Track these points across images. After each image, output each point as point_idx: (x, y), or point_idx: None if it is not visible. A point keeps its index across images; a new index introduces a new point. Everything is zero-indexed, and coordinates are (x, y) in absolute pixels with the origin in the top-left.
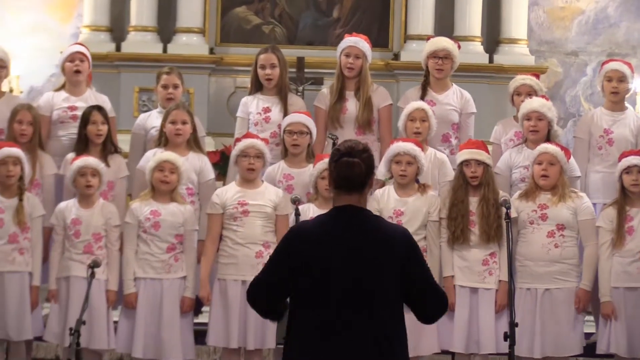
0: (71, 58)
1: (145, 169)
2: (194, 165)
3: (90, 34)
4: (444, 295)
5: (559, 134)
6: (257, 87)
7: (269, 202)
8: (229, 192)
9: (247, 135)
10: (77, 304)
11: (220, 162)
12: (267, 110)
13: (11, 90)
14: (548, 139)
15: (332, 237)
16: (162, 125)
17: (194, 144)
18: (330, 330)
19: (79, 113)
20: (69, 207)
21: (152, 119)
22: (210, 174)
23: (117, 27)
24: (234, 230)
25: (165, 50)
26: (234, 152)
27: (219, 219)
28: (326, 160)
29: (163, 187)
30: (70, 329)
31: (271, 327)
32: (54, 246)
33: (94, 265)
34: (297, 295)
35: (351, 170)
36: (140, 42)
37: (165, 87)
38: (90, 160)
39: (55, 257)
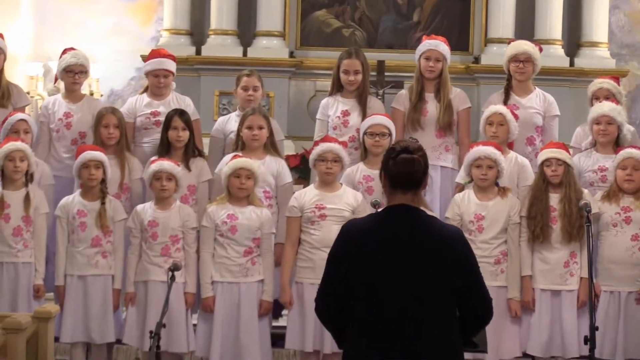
0: (156, 73)
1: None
2: (271, 168)
3: (170, 37)
4: (490, 303)
5: (628, 138)
6: (338, 88)
7: (347, 206)
8: (307, 196)
9: (325, 139)
10: (156, 307)
11: (301, 166)
12: (346, 113)
13: (91, 93)
14: (617, 143)
15: (384, 237)
16: (239, 130)
17: (272, 147)
18: (382, 333)
19: (162, 119)
20: (146, 209)
21: (231, 123)
22: (288, 177)
23: (197, 31)
24: (310, 234)
25: (245, 53)
26: (312, 156)
27: (297, 222)
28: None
29: (240, 193)
30: (150, 332)
31: None
32: (131, 249)
33: (174, 268)
34: (351, 296)
35: (411, 167)
36: (221, 46)
37: (245, 89)
38: (165, 164)
39: (133, 260)
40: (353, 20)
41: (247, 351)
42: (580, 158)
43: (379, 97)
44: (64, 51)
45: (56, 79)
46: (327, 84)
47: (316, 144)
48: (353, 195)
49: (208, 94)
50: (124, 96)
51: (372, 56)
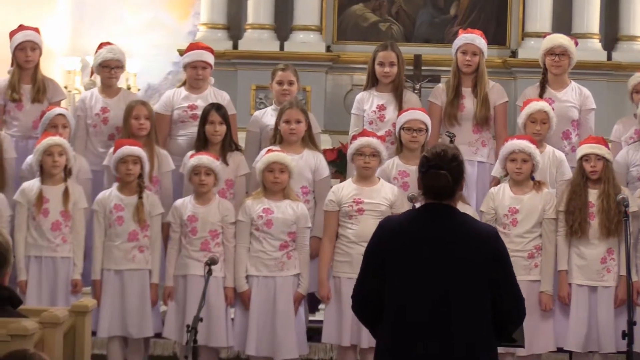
0: (194, 65)
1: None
2: (309, 162)
3: (207, 31)
4: (521, 302)
5: None
6: (373, 82)
7: (385, 201)
8: (345, 190)
9: (364, 133)
10: (195, 302)
11: (337, 160)
12: (382, 108)
13: (129, 88)
14: None
15: (420, 234)
16: (277, 124)
17: (309, 141)
18: (416, 330)
19: (199, 112)
20: (185, 204)
21: (267, 117)
22: (326, 171)
23: (234, 25)
24: (348, 228)
25: (282, 48)
26: (350, 150)
27: (335, 216)
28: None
29: (274, 187)
30: (187, 326)
31: None
32: (171, 243)
33: (211, 262)
34: (386, 290)
35: (437, 182)
36: (257, 40)
37: (280, 83)
38: (204, 159)
39: (173, 255)
40: (390, 15)
41: (283, 345)
42: (628, 151)
43: (416, 91)
44: (100, 45)
45: (92, 73)
46: (363, 78)
47: (354, 138)
48: (391, 189)
49: (245, 89)
50: (160, 91)
51: (409, 50)
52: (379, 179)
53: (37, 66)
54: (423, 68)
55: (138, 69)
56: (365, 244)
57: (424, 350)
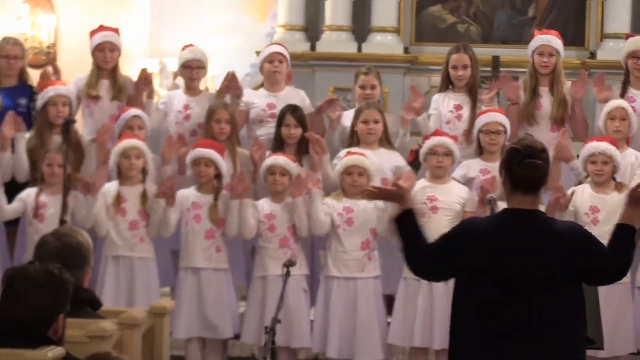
0: (270, 59)
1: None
2: (386, 161)
3: (285, 33)
4: (615, 259)
5: None
6: (448, 84)
7: (458, 199)
8: (418, 187)
9: (436, 133)
10: (273, 303)
11: (414, 161)
12: (458, 107)
13: (207, 90)
14: None
15: (503, 239)
16: (354, 125)
17: (386, 141)
18: (500, 337)
19: (277, 112)
20: (262, 203)
21: (347, 118)
22: (406, 167)
23: (312, 27)
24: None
25: (359, 49)
26: (423, 149)
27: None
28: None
29: (352, 190)
30: (266, 327)
31: None
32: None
33: (289, 264)
34: (467, 295)
35: (536, 172)
36: (335, 42)
37: (362, 87)
38: (280, 159)
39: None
40: (468, 16)
41: (364, 346)
42: None
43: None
44: (183, 47)
45: (175, 75)
46: None
47: (427, 138)
48: (462, 189)
49: (322, 90)
50: None
51: (487, 51)
52: (452, 178)
53: (115, 67)
54: (501, 69)
55: (216, 71)
56: None
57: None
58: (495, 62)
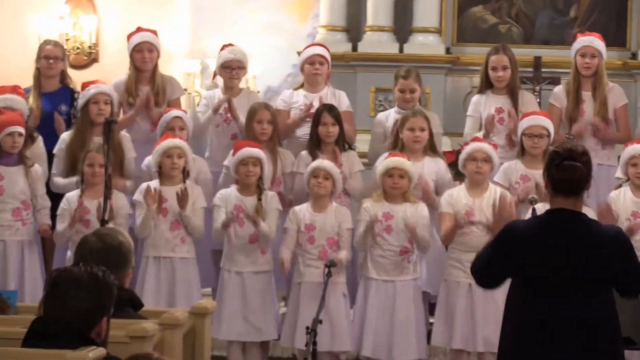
0: (311, 60)
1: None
2: (430, 170)
3: (327, 34)
4: None
5: None
6: (487, 85)
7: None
8: (458, 198)
9: (475, 139)
10: (311, 308)
11: (456, 162)
12: (500, 110)
13: (247, 88)
14: None
15: (545, 240)
16: (398, 131)
17: (430, 148)
18: (543, 338)
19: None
20: (303, 211)
21: (391, 119)
22: (447, 174)
23: (354, 27)
24: (459, 236)
25: (401, 50)
26: (461, 156)
27: (451, 218)
28: None
29: (393, 192)
30: (307, 328)
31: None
32: (285, 243)
33: (331, 264)
34: (512, 297)
35: (574, 174)
36: (377, 42)
37: (402, 91)
38: (324, 163)
39: (287, 254)
40: (509, 17)
41: (402, 347)
42: None
43: (536, 93)
44: (223, 47)
45: (214, 75)
46: None
47: (466, 144)
48: (496, 193)
49: (364, 91)
50: (280, 93)
51: (529, 52)
52: (489, 184)
53: (155, 68)
54: (543, 70)
55: (257, 72)
56: (476, 253)
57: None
58: (537, 62)
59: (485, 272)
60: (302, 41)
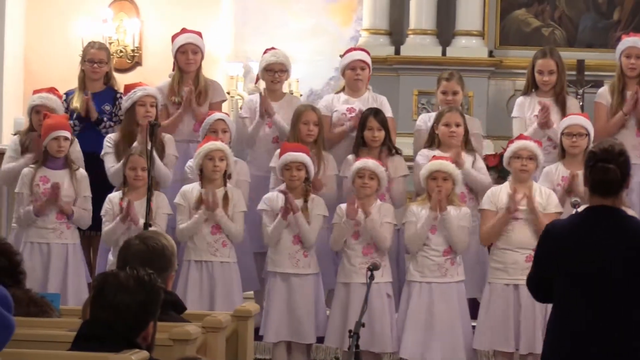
0: (352, 66)
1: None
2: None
3: (370, 37)
4: None
5: None
6: (533, 87)
7: (539, 207)
8: (502, 194)
9: (520, 137)
10: (356, 308)
11: (499, 166)
12: None
13: (291, 93)
14: None
15: (585, 237)
16: (434, 128)
17: (465, 145)
18: (583, 333)
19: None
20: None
21: (432, 122)
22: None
23: (396, 31)
24: (503, 234)
25: (444, 53)
26: (506, 154)
27: (492, 216)
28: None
29: (437, 195)
30: (350, 331)
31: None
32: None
33: (373, 268)
34: (558, 297)
35: (606, 176)
36: (420, 45)
37: (444, 93)
38: (369, 162)
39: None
40: (553, 20)
41: (444, 350)
42: None
43: (579, 96)
44: (265, 51)
45: (257, 79)
46: None
47: (511, 142)
48: (539, 192)
49: (407, 94)
50: (323, 96)
51: (572, 55)
52: (533, 182)
53: (198, 70)
54: (586, 73)
55: (300, 75)
56: (522, 250)
57: (591, 357)
58: (580, 66)
59: (535, 277)
60: (345, 44)
